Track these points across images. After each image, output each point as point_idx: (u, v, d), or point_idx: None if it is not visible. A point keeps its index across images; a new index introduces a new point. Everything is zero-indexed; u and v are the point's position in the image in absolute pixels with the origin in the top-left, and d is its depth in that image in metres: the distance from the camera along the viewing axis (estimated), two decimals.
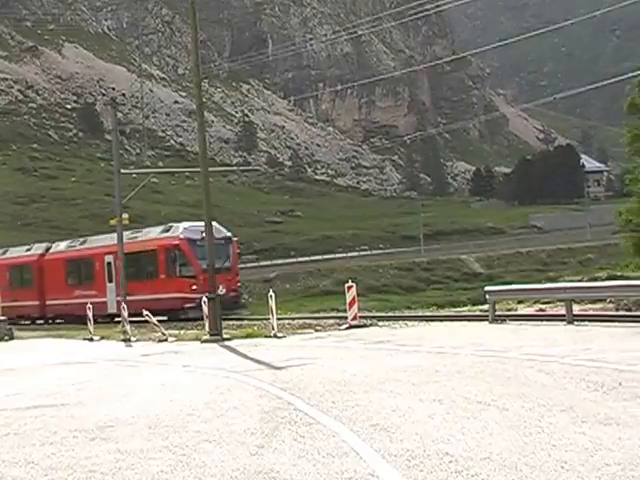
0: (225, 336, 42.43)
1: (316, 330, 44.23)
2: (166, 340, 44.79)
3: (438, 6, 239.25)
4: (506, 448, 13.02)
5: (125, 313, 54.30)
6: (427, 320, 45.53)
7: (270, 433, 15.73)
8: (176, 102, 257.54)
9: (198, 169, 51.81)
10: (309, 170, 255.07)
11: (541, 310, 44.37)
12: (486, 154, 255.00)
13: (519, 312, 43.29)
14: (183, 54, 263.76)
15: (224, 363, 30.42)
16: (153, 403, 21.04)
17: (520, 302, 47.57)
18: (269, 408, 18.78)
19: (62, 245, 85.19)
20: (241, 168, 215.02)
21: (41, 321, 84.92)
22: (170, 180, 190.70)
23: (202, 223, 56.45)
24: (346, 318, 44.03)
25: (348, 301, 43.90)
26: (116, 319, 65.82)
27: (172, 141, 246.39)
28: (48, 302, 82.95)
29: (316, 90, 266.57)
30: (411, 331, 38.95)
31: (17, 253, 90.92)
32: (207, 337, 42.72)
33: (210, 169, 53.99)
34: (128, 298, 61.04)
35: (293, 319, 52.25)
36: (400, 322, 44.87)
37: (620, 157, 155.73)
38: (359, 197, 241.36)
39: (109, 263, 74.72)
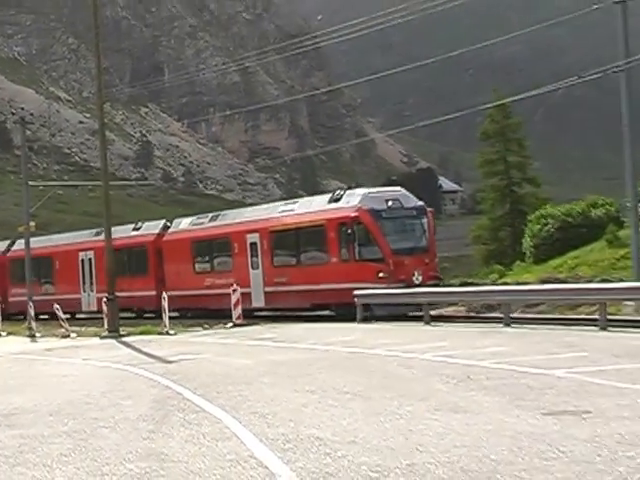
0: (122, 332, 42.23)
1: (204, 328, 44.27)
2: (69, 336, 44.14)
3: (316, 43, 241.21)
4: (369, 433, 13.15)
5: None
6: (305, 321, 45.66)
7: (161, 420, 15.76)
8: (81, 122, 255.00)
9: (100, 183, 51.34)
10: (200, 185, 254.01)
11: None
12: (357, 174, 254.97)
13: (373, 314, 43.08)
14: (87, 79, 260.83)
15: (120, 357, 30.42)
16: (55, 393, 20.96)
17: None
18: (160, 397, 18.81)
19: (185, 222, 58.12)
20: (139, 182, 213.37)
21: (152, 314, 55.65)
22: (74, 192, 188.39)
23: (388, 188, 49.41)
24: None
25: (233, 302, 44.00)
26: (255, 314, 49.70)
27: (77, 157, 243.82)
28: (169, 293, 49.52)
29: (207, 114, 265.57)
30: (289, 330, 39.04)
31: (122, 233, 60.27)
32: (106, 333, 42.52)
33: (110, 183, 53.96)
34: (280, 289, 47.59)
35: (176, 318, 51.40)
36: (280, 323, 45.00)
37: (473, 179, 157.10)
38: None
39: (253, 244, 49.79)
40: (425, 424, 13.75)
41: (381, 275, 41.29)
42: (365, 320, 40.30)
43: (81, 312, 63.05)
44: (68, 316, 54.48)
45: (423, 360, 23.03)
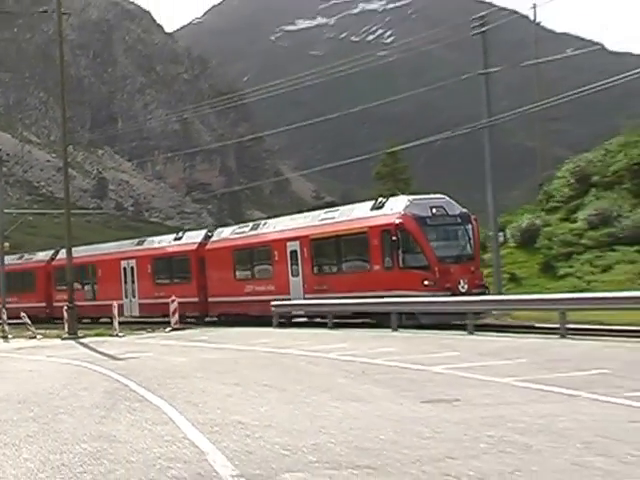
0: (80, 335, 41.90)
1: (147, 331, 43.96)
2: (35, 337, 43.51)
3: (242, 98, 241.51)
4: (283, 418, 13.17)
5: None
6: (232, 326, 45.48)
7: (110, 407, 15.62)
8: (48, 161, 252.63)
9: (63, 211, 50.88)
10: (146, 214, 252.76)
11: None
12: (275, 206, 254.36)
13: (297, 320, 42.99)
14: (54, 126, 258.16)
15: (78, 355, 30.01)
16: (24, 385, 20.66)
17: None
18: (110, 389, 18.64)
19: (227, 231, 50.55)
20: (95, 211, 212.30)
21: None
22: (42, 219, 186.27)
23: (431, 196, 40.14)
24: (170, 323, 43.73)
25: (172, 311, 43.78)
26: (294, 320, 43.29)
27: (44, 190, 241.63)
28: (211, 299, 49.08)
29: (153, 156, 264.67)
30: (220, 334, 38.95)
31: (163, 243, 55.76)
32: (67, 335, 42.08)
33: (72, 211, 53.13)
34: (320, 297, 39.72)
35: (132, 322, 50.95)
36: (212, 327, 44.82)
37: None
38: None
39: (294, 252, 42.64)
40: (328, 411, 13.79)
41: (426, 283, 35.02)
42: (281, 325, 40.33)
43: (122, 317, 51.03)
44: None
45: (327, 358, 23.05)
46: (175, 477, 9.49)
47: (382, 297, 34.99)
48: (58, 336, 42.95)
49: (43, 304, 63.08)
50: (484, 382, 16.07)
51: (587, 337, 25.38)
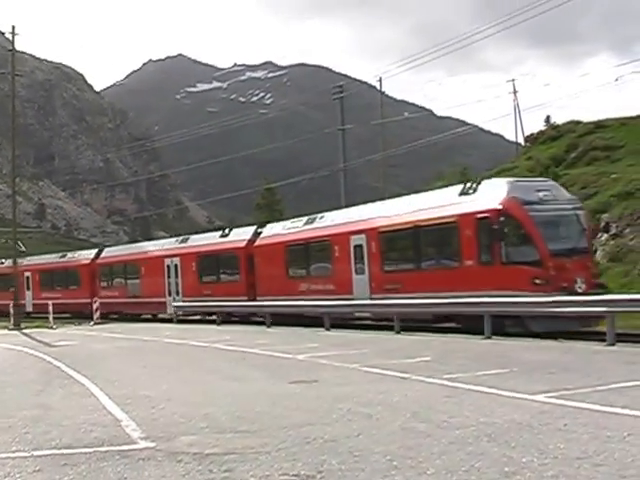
0: (23, 326, 41.07)
1: (75, 325, 43.23)
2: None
3: (154, 143, 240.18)
4: (181, 393, 13.11)
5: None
6: (144, 321, 44.90)
7: (46, 383, 15.42)
8: (0, 189, 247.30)
9: (10, 229, 49.70)
10: (75, 233, 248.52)
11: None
12: (176, 229, 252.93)
13: (191, 318, 41.69)
14: (5, 162, 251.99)
15: (21, 342, 29.66)
16: None
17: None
18: (46, 369, 18.45)
19: (278, 226, 38.46)
20: (36, 230, 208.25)
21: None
22: None
23: (536, 179, 29.90)
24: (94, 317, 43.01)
25: (94, 309, 43.07)
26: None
27: None
28: (259, 300, 36.38)
29: (82, 187, 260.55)
30: (130, 326, 38.51)
31: (209, 240, 42.93)
32: (12, 327, 41.20)
33: (18, 229, 52.20)
34: (392, 297, 27.52)
35: (64, 318, 49.48)
36: (128, 322, 44.16)
37: None
38: None
39: (358, 246, 30.62)
40: (217, 388, 13.75)
41: (538, 282, 23.26)
42: (178, 322, 39.84)
43: (165, 314, 44.40)
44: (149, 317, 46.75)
45: (214, 347, 22.95)
46: (97, 438, 9.41)
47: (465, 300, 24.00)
48: (6, 327, 41.87)
49: (88, 300, 48.82)
50: (336, 367, 16.07)
51: (415, 332, 25.49)
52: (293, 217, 39.44)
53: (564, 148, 48.61)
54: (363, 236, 30.12)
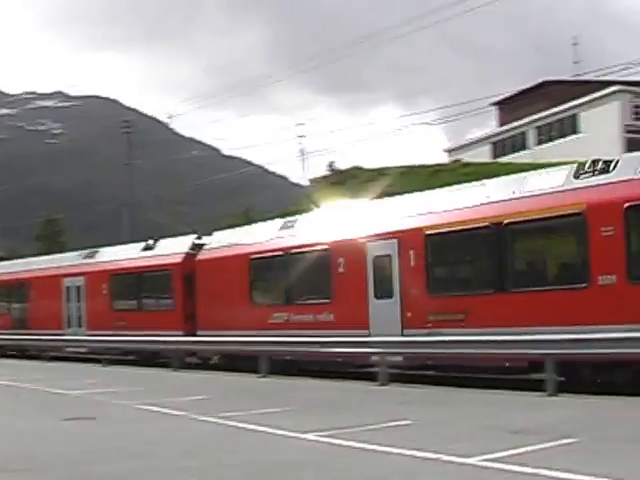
0: None
1: None
2: None
3: None
4: None
5: None
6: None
7: None
8: None
9: None
10: None
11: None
12: None
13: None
14: None
15: None
16: None
17: None
18: None
19: (236, 235, 27.40)
20: None
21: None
22: None
23: None
24: None
25: None
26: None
27: None
28: (203, 335, 25.87)
29: None
30: None
31: (125, 254, 32.26)
32: None
33: None
34: (448, 333, 17.83)
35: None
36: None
37: None
38: None
39: (382, 258, 20.24)
40: None
41: None
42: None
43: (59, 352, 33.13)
44: None
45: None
46: None
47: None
48: None
49: None
50: (122, 405, 15.77)
51: (197, 370, 25.28)
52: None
53: (347, 193, 50.07)
54: (394, 242, 19.98)
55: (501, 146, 69.73)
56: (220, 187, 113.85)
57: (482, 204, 18.44)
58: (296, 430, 11.24)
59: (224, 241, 27.15)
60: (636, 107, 59.92)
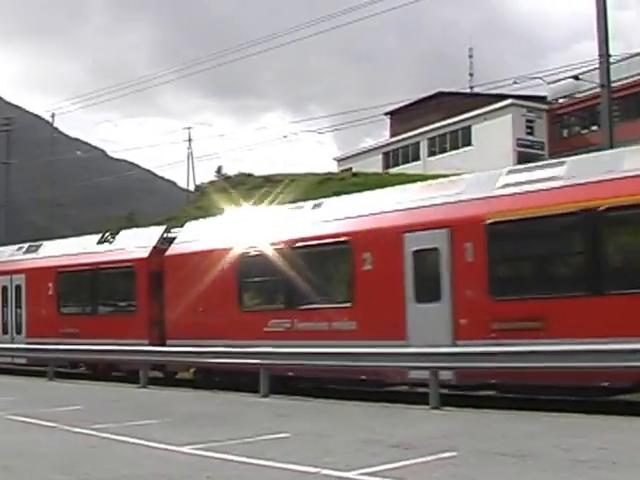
0: None
1: None
2: None
3: None
4: None
5: None
6: None
7: None
8: None
9: None
10: None
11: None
12: None
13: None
14: None
15: None
16: None
17: None
18: None
19: (213, 224, 23.45)
20: None
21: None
22: None
23: None
24: None
25: None
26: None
27: None
28: (171, 345, 21.91)
29: None
30: None
31: (78, 248, 27.24)
32: None
33: None
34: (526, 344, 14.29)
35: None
36: None
37: None
38: None
39: (424, 252, 16.67)
40: None
41: None
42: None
43: None
44: None
45: None
46: None
47: None
48: None
49: None
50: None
51: (71, 380, 24.72)
52: None
53: (234, 200, 49.87)
54: (444, 232, 16.38)
55: (393, 156, 70.54)
56: (106, 190, 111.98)
57: (566, 186, 15.08)
58: (171, 443, 11.07)
59: (203, 232, 23.00)
60: (528, 121, 61.61)
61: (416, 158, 67.44)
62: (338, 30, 46.15)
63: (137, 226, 25.86)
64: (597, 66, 26.58)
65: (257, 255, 20.28)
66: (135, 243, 25.16)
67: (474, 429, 12.36)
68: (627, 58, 40.43)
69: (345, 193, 21.95)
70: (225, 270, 20.93)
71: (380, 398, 16.57)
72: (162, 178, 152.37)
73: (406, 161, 67.84)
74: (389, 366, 16.48)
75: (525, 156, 53.81)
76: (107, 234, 26.90)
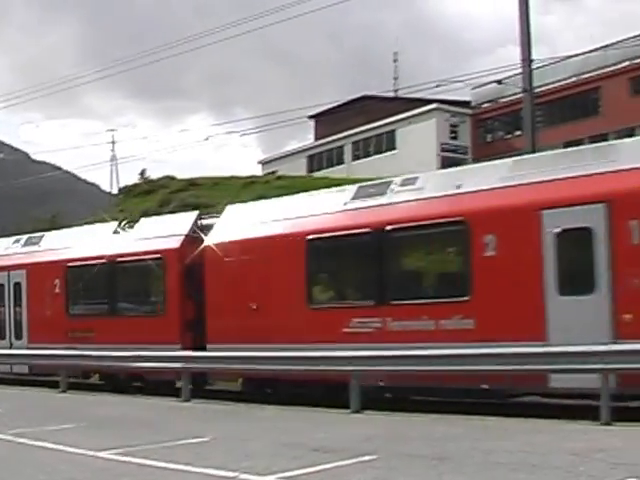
0: None
1: None
2: None
3: None
4: None
5: None
6: None
7: None
8: None
9: None
10: None
11: None
12: None
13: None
14: None
15: None
16: None
17: None
18: None
19: (265, 207, 19.34)
20: None
21: None
22: None
23: None
24: None
25: None
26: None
27: None
28: (214, 350, 18.19)
29: None
30: None
31: (89, 239, 23.15)
32: None
33: None
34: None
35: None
36: None
37: None
38: None
39: (572, 232, 13.39)
40: None
41: None
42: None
43: None
44: None
45: None
46: None
47: None
48: None
49: None
50: None
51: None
52: None
53: (157, 203, 49.36)
54: (600, 207, 13.30)
55: (317, 160, 70.56)
56: (28, 192, 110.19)
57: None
58: (89, 448, 10.92)
59: (252, 218, 19.07)
60: (452, 126, 62.13)
61: (340, 162, 67.51)
62: (264, 31, 46.08)
63: (60, 228, 23.55)
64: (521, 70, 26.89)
65: (330, 240, 16.85)
66: (161, 231, 21.22)
67: (395, 432, 12.39)
68: (552, 63, 40.97)
69: (270, 196, 21.70)
70: (288, 259, 17.52)
71: (299, 402, 16.36)
72: (85, 181, 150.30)
73: (330, 165, 67.85)
74: (527, 370, 13.32)
75: (449, 161, 54.28)
76: (124, 222, 23.50)
